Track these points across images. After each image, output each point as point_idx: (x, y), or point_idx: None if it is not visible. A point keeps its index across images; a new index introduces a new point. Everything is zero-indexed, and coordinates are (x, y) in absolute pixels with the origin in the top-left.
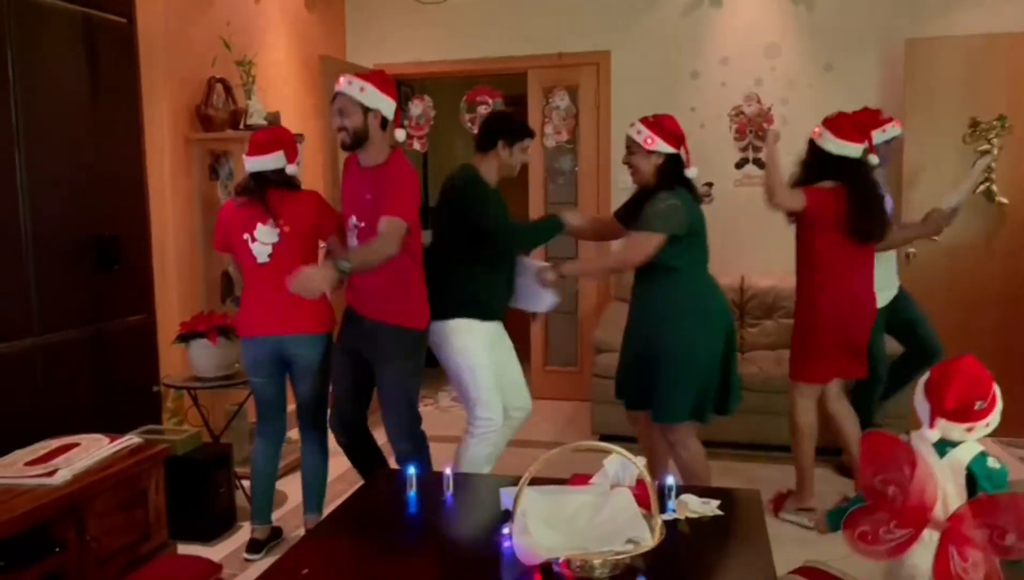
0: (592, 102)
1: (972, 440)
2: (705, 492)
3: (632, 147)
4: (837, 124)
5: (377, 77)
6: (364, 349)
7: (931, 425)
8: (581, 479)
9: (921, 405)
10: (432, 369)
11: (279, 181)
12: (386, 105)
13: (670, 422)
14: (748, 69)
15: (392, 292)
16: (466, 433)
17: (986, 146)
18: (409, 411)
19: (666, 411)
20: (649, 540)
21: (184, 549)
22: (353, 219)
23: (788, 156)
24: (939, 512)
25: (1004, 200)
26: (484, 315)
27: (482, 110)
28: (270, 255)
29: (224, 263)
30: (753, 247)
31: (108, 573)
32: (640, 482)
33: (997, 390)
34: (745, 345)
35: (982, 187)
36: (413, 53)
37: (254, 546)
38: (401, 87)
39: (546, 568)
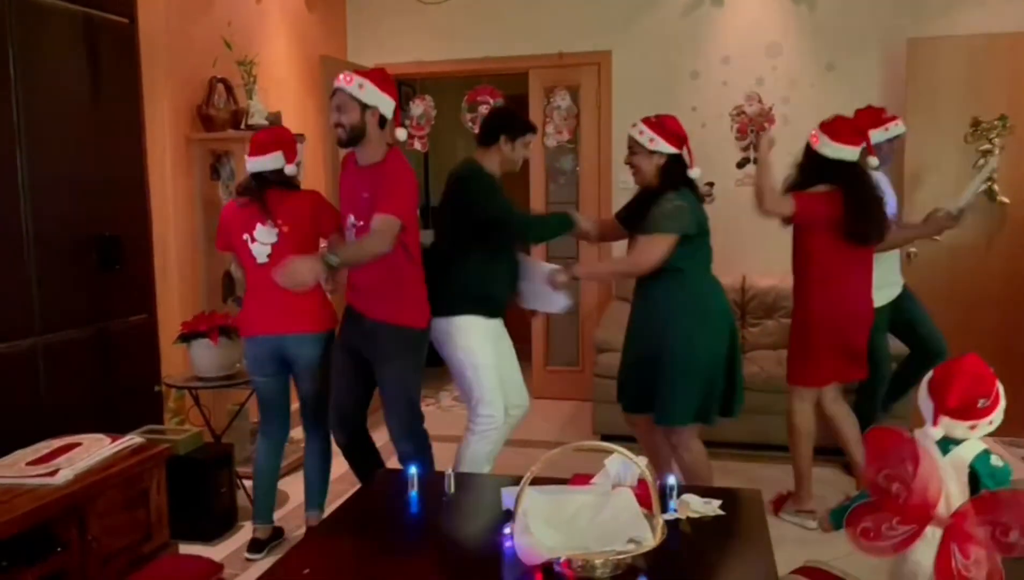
0: (593, 102)
1: (975, 438)
2: (707, 492)
3: (634, 147)
4: (834, 128)
5: (377, 75)
6: (364, 348)
7: (934, 423)
8: (582, 479)
9: (924, 403)
10: (433, 369)
11: (278, 181)
12: (385, 103)
13: (674, 424)
14: (749, 69)
15: (388, 290)
16: (467, 430)
17: (987, 146)
18: (410, 410)
19: (669, 413)
20: (650, 540)
21: (185, 549)
22: (351, 217)
23: (789, 156)
24: (942, 509)
25: (1005, 200)
26: (488, 312)
27: (483, 110)
28: (269, 255)
29: (226, 263)
30: (754, 247)
31: (110, 573)
32: (641, 482)
33: (1000, 388)
34: (746, 345)
35: (983, 187)
36: (414, 53)
37: (255, 546)
38: (402, 87)
39: (547, 568)
